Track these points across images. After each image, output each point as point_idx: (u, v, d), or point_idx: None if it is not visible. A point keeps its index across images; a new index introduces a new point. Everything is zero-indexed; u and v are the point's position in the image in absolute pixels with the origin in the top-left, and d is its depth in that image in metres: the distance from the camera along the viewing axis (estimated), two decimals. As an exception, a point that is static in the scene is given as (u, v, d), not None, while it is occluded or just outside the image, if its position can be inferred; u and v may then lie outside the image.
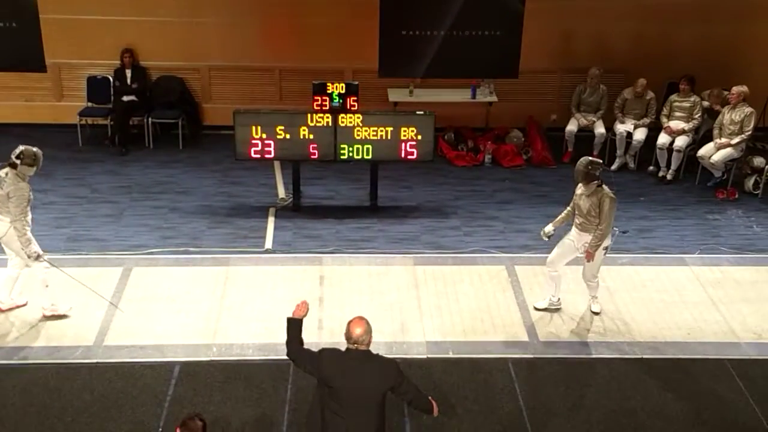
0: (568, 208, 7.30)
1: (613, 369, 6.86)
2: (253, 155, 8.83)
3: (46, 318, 7.20)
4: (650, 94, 10.28)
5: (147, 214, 9.00)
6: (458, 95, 10.89)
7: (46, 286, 7.12)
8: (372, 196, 9.29)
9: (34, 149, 6.84)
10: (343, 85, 8.68)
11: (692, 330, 7.32)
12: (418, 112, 8.97)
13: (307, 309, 5.18)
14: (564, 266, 7.40)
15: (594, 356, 6.99)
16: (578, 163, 7.04)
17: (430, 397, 5.23)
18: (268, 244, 8.54)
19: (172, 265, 8.04)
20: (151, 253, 8.23)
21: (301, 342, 5.11)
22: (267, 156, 8.87)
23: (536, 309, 7.53)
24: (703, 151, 9.78)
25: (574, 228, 7.24)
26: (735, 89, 9.58)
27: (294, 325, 5.11)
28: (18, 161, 6.76)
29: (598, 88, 10.45)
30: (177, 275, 7.88)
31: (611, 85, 10.55)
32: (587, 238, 7.09)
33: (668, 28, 10.73)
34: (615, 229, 7.25)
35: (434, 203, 9.51)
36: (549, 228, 7.37)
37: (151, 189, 9.60)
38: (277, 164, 10.04)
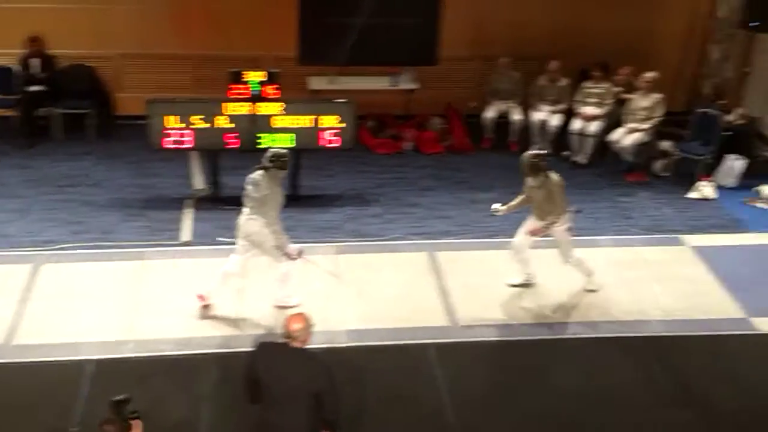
0: (521, 197, 7.47)
1: (530, 350, 7.00)
2: (168, 146, 8.63)
3: (277, 308, 7.13)
4: (564, 81, 10.48)
5: (57, 209, 8.68)
6: (379, 83, 10.87)
7: (287, 279, 7.14)
8: (293, 185, 9.21)
9: (283, 150, 6.93)
10: (263, 73, 8.58)
11: (605, 309, 7.52)
12: (339, 100, 8.93)
13: None
14: (529, 249, 7.56)
15: (512, 338, 7.12)
16: (522, 156, 7.24)
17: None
18: (186, 236, 8.38)
19: (84, 261, 7.79)
20: (62, 249, 7.95)
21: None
22: (183, 146, 8.68)
23: (511, 285, 7.67)
24: (614, 136, 10.05)
25: (532, 217, 7.43)
26: (647, 76, 9.86)
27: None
28: (270, 164, 6.79)
29: (511, 75, 10.59)
30: (89, 270, 7.64)
31: (527, 72, 10.70)
32: None
33: (580, 16, 10.91)
34: (571, 209, 7.45)
35: (356, 191, 9.49)
36: (502, 208, 7.52)
37: (61, 182, 9.25)
38: (194, 154, 9.83)
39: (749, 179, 9.82)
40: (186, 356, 6.66)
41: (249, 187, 6.87)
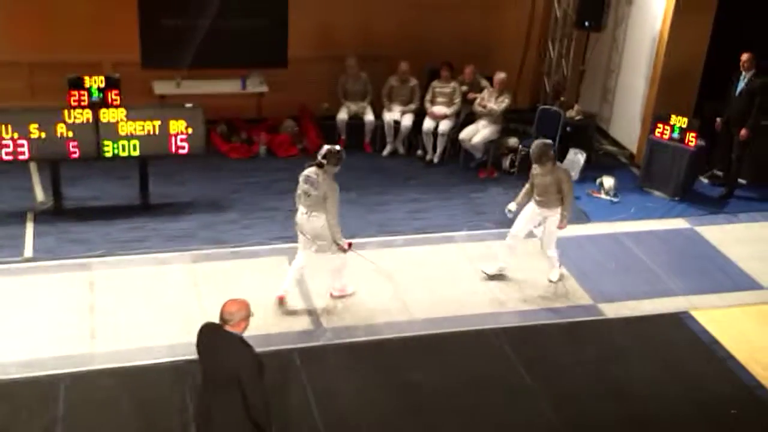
0: (527, 187, 7.82)
1: (395, 348, 7.08)
2: (4, 157, 8.13)
3: (334, 299, 7.46)
4: (414, 81, 10.67)
5: None
6: (228, 86, 10.66)
7: (342, 270, 7.38)
8: (143, 194, 8.87)
9: (337, 147, 7.02)
10: (102, 78, 8.27)
11: (463, 303, 7.71)
12: (186, 105, 8.68)
13: None
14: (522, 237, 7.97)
15: (377, 337, 7.17)
16: (533, 146, 7.67)
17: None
18: (28, 252, 7.89)
19: None
20: None
21: None
22: (20, 157, 8.20)
23: (486, 274, 8.00)
24: (464, 134, 10.36)
25: (533, 203, 7.76)
26: (497, 77, 10.21)
27: None
28: (324, 161, 6.86)
29: (359, 76, 10.67)
30: None
31: (376, 73, 10.81)
32: (546, 212, 7.72)
33: (425, 17, 11.09)
34: None
35: (210, 197, 9.25)
36: (512, 206, 7.92)
37: None
38: (33, 165, 9.27)
39: (590, 171, 10.39)
40: (34, 378, 6.26)
41: (306, 186, 6.95)
